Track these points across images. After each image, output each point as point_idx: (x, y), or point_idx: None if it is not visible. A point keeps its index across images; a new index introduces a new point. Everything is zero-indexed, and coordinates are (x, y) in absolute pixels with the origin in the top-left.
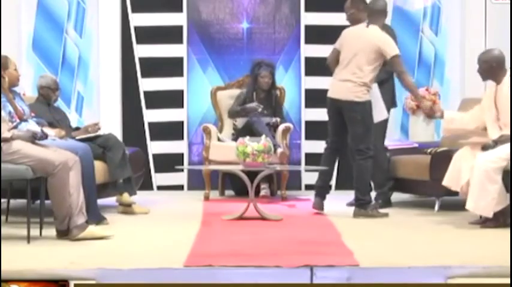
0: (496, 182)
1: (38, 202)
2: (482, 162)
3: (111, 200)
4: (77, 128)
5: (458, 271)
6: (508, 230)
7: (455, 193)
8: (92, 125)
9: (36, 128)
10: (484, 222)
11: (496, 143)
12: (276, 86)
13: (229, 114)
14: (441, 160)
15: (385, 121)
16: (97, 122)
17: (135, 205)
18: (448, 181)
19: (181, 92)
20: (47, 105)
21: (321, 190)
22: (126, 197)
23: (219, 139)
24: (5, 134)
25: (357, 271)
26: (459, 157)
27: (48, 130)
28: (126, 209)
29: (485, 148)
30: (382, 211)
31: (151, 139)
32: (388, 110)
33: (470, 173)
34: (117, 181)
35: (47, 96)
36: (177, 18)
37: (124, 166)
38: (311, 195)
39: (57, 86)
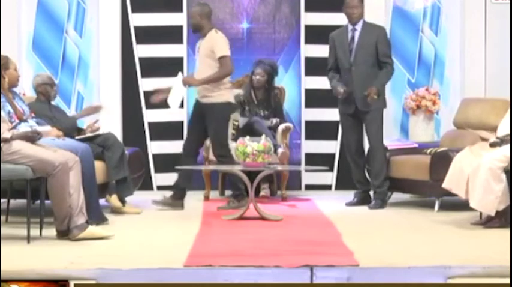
0: (502, 180)
1: (38, 202)
2: (489, 160)
3: None
4: (78, 129)
5: (458, 271)
6: (508, 230)
7: (455, 193)
8: (92, 125)
9: (27, 128)
10: (485, 223)
11: (502, 141)
12: (275, 86)
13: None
14: (441, 160)
15: (381, 121)
16: (96, 120)
17: (127, 205)
18: (448, 183)
19: None
20: (47, 103)
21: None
22: (114, 199)
23: None
24: (5, 134)
25: (357, 271)
26: (459, 158)
27: (45, 127)
28: (114, 207)
29: (493, 145)
30: (379, 211)
31: (151, 139)
32: (382, 110)
33: (471, 172)
34: (110, 182)
35: (46, 93)
36: (177, 18)
37: (121, 167)
38: (311, 195)
39: (53, 81)
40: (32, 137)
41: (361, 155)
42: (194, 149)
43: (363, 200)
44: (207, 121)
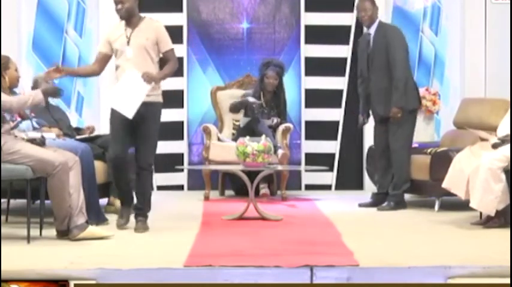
0: (501, 180)
1: (38, 202)
2: (488, 160)
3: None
4: (77, 128)
5: (458, 271)
6: (508, 230)
7: (455, 193)
8: (86, 129)
9: (36, 134)
10: (486, 222)
11: (503, 141)
12: (284, 87)
13: (230, 107)
14: (441, 160)
15: (403, 123)
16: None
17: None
18: (448, 183)
19: (181, 92)
20: (46, 103)
21: None
22: (117, 201)
23: (219, 139)
24: (38, 95)
25: (357, 271)
26: (459, 158)
27: (48, 134)
28: (118, 209)
29: (495, 146)
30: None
31: None
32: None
33: (471, 172)
34: (112, 183)
35: None
36: (177, 18)
37: None
38: (311, 195)
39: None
40: (41, 142)
41: (386, 157)
42: (126, 158)
43: (379, 201)
44: (146, 123)
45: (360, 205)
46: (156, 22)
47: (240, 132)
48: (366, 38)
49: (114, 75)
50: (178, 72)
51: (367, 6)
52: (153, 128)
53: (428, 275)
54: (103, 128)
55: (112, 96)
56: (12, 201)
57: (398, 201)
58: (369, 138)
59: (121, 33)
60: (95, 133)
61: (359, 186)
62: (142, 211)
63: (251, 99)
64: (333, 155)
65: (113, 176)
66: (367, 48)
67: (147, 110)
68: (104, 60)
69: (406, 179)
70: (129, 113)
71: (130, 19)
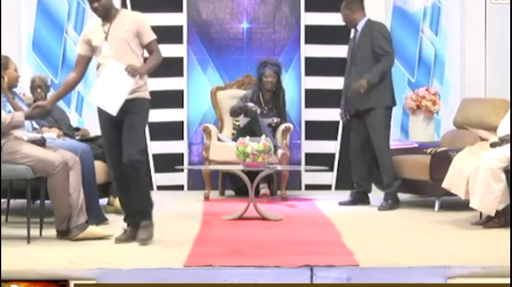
0: (501, 180)
1: (38, 202)
2: (488, 160)
3: None
4: (77, 129)
5: (458, 271)
6: (508, 230)
7: (455, 193)
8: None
9: (36, 135)
10: (486, 222)
11: (502, 141)
12: (282, 87)
13: (230, 112)
14: (441, 160)
15: (383, 119)
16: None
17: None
18: (448, 183)
19: (181, 92)
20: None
21: None
22: (118, 201)
23: (219, 139)
24: (19, 117)
25: (357, 271)
26: (459, 158)
27: (48, 134)
28: (118, 209)
29: (493, 145)
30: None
31: (151, 139)
32: (383, 108)
33: (471, 172)
34: (112, 184)
35: (33, 95)
36: (177, 18)
37: None
38: (311, 195)
39: (43, 83)
40: (41, 143)
41: (364, 156)
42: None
43: (357, 200)
44: (129, 119)
45: (340, 204)
46: (135, 13)
47: (240, 132)
48: (354, 34)
49: (95, 73)
50: (178, 72)
51: (344, 8)
52: (136, 120)
53: (428, 275)
54: None
55: (94, 92)
56: (12, 201)
57: (394, 198)
58: None
59: (98, 29)
60: (95, 134)
61: None
62: (142, 213)
63: (250, 104)
64: (333, 155)
65: (117, 189)
66: (353, 44)
67: (132, 105)
68: (83, 63)
69: (396, 176)
70: (113, 109)
71: (108, 14)
